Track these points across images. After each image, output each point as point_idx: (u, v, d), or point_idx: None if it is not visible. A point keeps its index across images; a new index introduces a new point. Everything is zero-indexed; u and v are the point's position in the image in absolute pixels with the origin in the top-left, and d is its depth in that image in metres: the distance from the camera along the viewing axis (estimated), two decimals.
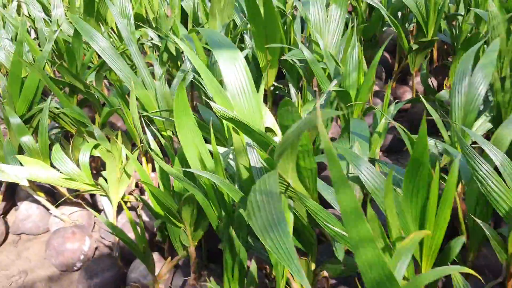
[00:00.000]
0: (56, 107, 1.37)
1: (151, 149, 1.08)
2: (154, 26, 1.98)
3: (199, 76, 1.52)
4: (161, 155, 1.10)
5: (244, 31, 1.64)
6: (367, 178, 0.81)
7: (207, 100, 0.83)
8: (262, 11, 1.30)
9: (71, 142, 1.44)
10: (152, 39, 1.85)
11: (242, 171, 0.77)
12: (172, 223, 0.93)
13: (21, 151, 1.45)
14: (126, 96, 1.39)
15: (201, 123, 1.20)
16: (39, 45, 2.15)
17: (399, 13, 2.02)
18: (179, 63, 1.72)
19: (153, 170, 1.52)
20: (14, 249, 1.47)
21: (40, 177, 1.17)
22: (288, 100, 0.66)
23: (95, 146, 1.27)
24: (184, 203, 0.82)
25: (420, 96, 1.36)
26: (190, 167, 0.84)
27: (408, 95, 1.96)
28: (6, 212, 1.60)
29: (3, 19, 2.09)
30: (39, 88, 1.40)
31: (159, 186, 1.07)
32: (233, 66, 0.93)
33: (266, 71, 1.47)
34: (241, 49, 1.69)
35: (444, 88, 1.98)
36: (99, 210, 1.50)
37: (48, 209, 1.44)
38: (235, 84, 0.93)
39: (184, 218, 0.86)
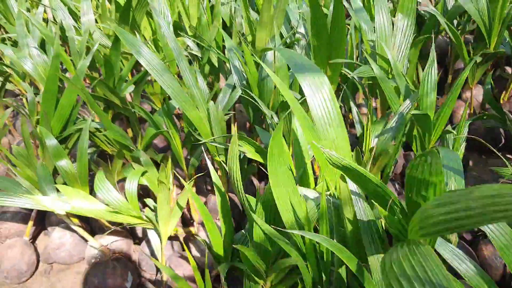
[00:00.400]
0: (96, 129, 1.23)
1: (214, 183, 0.94)
2: (189, 34, 1.85)
3: (250, 91, 1.38)
4: (222, 187, 0.97)
5: (295, 43, 1.50)
6: (494, 234, 0.67)
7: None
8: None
9: (111, 165, 1.31)
10: (188, 47, 1.71)
11: (347, 225, 0.64)
12: (249, 278, 0.80)
13: (55, 172, 1.32)
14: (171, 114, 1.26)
15: (260, 148, 1.07)
16: (69, 54, 2.02)
17: (454, 21, 1.87)
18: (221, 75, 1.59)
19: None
20: (46, 280, 1.34)
21: (83, 210, 1.04)
22: (432, 151, 0.52)
23: (143, 173, 1.14)
24: (275, 262, 0.68)
25: (481, 111, 1.21)
26: (277, 216, 0.71)
27: (461, 110, 1.82)
28: (35, 236, 1.48)
29: (26, 24, 1.96)
30: (76, 107, 1.27)
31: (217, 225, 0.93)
32: (319, 93, 0.80)
33: None
34: None
35: (501, 101, 1.84)
36: (138, 237, 1.37)
37: (82, 237, 1.31)
38: (321, 114, 0.80)
39: (267, 277, 0.72)
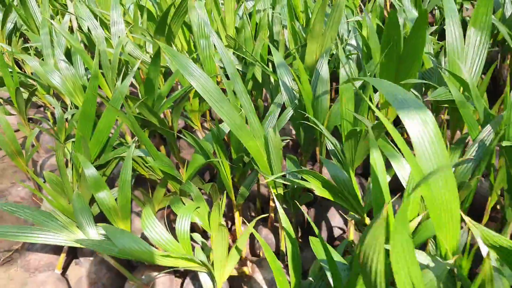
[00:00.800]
0: (140, 157, 1.11)
1: (284, 229, 0.82)
2: (225, 44, 1.72)
3: (302, 110, 1.26)
4: (293, 233, 0.84)
5: (349, 57, 1.37)
6: None
7: None
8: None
9: (152, 194, 1.19)
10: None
11: None
12: None
13: (91, 201, 1.21)
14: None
15: (329, 183, 0.94)
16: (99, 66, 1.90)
17: None
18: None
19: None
20: None
21: (131, 254, 0.92)
22: None
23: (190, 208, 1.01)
24: None
25: None
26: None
27: None
28: (65, 267, 1.36)
29: (50, 32, 1.84)
30: (116, 131, 1.15)
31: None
32: (423, 133, 0.67)
33: (386, 111, 1.21)
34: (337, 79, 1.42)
35: None
36: (179, 271, 1.25)
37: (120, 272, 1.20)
38: (427, 157, 0.67)
39: None
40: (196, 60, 1.73)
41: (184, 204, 1.04)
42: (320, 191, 0.92)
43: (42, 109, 2.07)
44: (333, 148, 1.11)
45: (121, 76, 1.34)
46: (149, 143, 1.04)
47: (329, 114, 1.27)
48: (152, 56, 1.46)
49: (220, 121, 1.66)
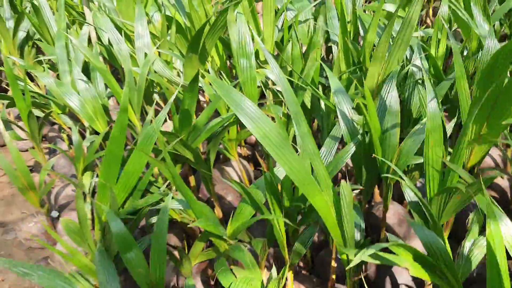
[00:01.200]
0: (178, 211, 0.92)
1: None
2: (263, 60, 1.52)
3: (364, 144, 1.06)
4: None
5: (419, 82, 1.16)
6: None
7: None
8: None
9: (188, 250, 0.99)
10: (268, 81, 1.39)
11: None
12: None
13: (117, 260, 1.01)
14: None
15: (425, 258, 0.74)
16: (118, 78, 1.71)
17: None
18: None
19: None
20: None
21: None
22: None
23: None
24: None
25: None
26: None
27: None
28: None
29: (66, 44, 1.65)
30: (147, 175, 0.96)
31: None
32: None
33: (471, 148, 1.00)
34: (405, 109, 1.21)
35: None
36: None
37: None
38: None
39: None
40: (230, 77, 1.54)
41: (231, 271, 0.85)
42: (415, 270, 0.71)
43: (56, 127, 1.88)
44: (415, 199, 0.91)
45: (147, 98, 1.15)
46: (192, 197, 0.84)
47: (398, 153, 1.06)
48: (182, 76, 1.27)
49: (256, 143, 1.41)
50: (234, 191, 1.35)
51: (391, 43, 1.15)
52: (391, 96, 1.09)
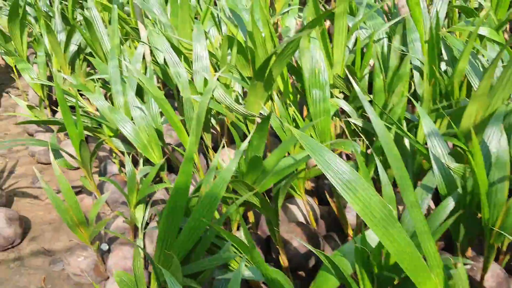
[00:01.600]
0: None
1: None
2: (331, 83, 1.37)
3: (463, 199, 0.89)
4: None
5: None
6: None
7: None
8: None
9: None
10: (342, 114, 1.24)
11: None
12: None
13: None
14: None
15: None
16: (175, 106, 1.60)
17: None
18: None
19: None
20: None
21: None
22: None
23: None
24: None
25: None
26: None
27: None
28: None
29: (120, 63, 1.56)
30: (208, 236, 0.83)
31: None
32: None
33: None
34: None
35: None
36: None
37: None
38: None
39: None
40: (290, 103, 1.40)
41: None
42: None
43: (107, 146, 1.80)
44: None
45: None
46: (268, 269, 0.71)
47: (505, 210, 0.89)
48: (242, 100, 1.14)
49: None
50: (301, 234, 1.21)
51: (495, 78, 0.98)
52: (499, 143, 0.91)
